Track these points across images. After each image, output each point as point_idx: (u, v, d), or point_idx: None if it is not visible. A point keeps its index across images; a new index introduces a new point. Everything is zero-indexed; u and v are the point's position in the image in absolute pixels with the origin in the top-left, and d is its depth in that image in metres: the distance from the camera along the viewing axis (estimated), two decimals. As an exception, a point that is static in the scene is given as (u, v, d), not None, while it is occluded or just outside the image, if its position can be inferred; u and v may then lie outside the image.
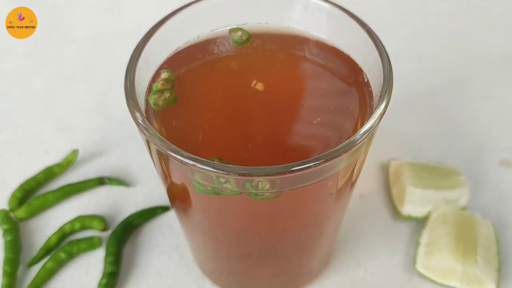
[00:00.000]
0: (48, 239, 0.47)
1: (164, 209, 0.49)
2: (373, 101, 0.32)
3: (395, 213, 0.49)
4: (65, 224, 0.47)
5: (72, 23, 0.69)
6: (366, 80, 0.34)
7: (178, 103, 0.33)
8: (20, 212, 0.48)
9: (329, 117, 0.32)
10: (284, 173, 0.26)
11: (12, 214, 0.48)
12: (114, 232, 0.47)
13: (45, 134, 0.56)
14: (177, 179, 0.32)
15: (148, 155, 0.32)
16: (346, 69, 0.35)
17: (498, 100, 0.59)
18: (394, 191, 0.49)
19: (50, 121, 0.57)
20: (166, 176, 0.33)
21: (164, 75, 0.34)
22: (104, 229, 0.47)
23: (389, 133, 0.53)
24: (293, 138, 0.33)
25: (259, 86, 0.34)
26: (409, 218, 0.48)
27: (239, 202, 0.30)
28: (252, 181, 0.27)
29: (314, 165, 0.26)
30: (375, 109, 0.29)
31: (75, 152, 0.52)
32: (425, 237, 0.45)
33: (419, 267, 0.44)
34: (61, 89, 0.61)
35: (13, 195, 0.49)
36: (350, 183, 0.34)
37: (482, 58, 0.63)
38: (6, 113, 0.59)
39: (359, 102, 0.33)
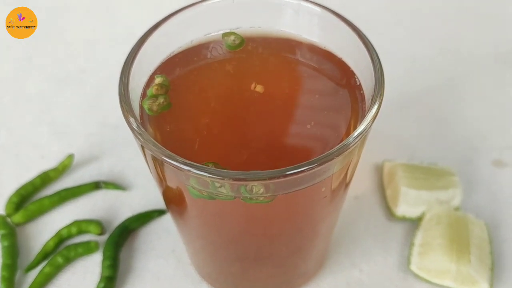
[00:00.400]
0: (45, 244, 0.47)
1: (160, 212, 0.49)
2: (365, 104, 0.32)
3: (390, 214, 0.49)
4: (62, 229, 0.47)
5: (67, 28, 0.69)
6: (358, 83, 0.34)
7: (172, 108, 0.33)
8: (17, 217, 0.49)
9: (322, 120, 0.33)
10: (278, 177, 0.27)
11: (9, 219, 0.49)
12: (111, 236, 0.47)
13: (40, 138, 0.56)
14: (172, 184, 0.32)
15: (143, 159, 0.33)
16: (339, 72, 0.35)
17: (491, 100, 0.59)
18: (388, 192, 0.50)
19: (46, 125, 0.57)
20: (161, 180, 0.33)
21: (158, 80, 0.34)
22: (101, 233, 0.47)
23: (382, 135, 0.53)
24: (287, 142, 0.33)
25: (259, 88, 0.34)
26: (403, 219, 0.48)
27: (234, 206, 0.31)
28: (246, 185, 0.27)
29: (308, 169, 0.27)
30: (367, 112, 0.30)
31: (70, 156, 0.52)
32: (419, 238, 0.46)
33: (413, 267, 0.45)
34: (57, 93, 0.61)
35: (10, 200, 0.49)
36: (344, 185, 0.34)
37: (474, 59, 0.64)
38: (1, 118, 0.59)
39: (351, 105, 0.33)
